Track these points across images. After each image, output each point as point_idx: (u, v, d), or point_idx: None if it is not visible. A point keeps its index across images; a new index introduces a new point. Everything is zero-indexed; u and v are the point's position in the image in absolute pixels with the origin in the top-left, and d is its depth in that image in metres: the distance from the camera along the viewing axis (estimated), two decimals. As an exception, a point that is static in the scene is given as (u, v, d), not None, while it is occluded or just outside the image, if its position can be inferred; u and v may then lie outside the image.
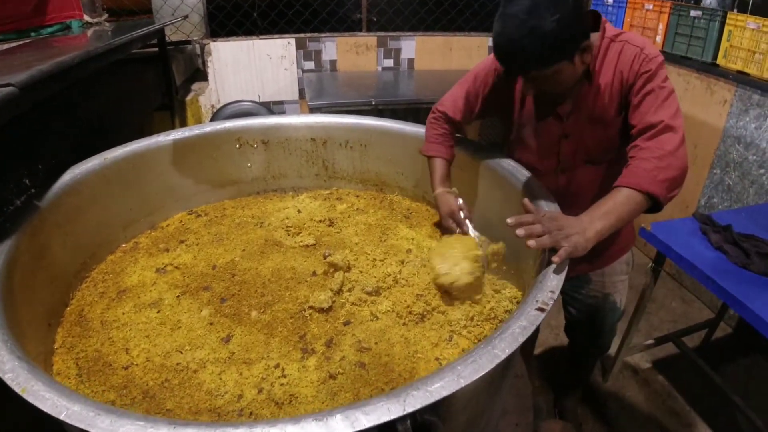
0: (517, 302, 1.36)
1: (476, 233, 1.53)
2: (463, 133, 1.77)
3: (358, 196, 1.98)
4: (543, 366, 2.69)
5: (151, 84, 2.84)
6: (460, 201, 1.59)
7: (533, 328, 0.88)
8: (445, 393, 0.72)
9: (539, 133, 1.57)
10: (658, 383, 2.59)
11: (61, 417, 0.74)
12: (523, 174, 1.51)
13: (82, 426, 0.72)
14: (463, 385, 0.74)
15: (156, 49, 2.88)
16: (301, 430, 0.66)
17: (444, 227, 1.62)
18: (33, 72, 1.39)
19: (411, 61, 4.06)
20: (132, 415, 0.72)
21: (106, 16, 3.11)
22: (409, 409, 0.69)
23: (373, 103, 3.16)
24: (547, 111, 1.53)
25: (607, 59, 1.39)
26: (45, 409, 0.77)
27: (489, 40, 4.08)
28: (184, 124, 3.28)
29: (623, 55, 1.36)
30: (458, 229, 1.56)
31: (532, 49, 1.21)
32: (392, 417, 0.68)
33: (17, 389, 0.82)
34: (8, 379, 0.84)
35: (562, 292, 1.90)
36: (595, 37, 1.39)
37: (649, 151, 1.26)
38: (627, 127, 1.39)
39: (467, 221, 1.56)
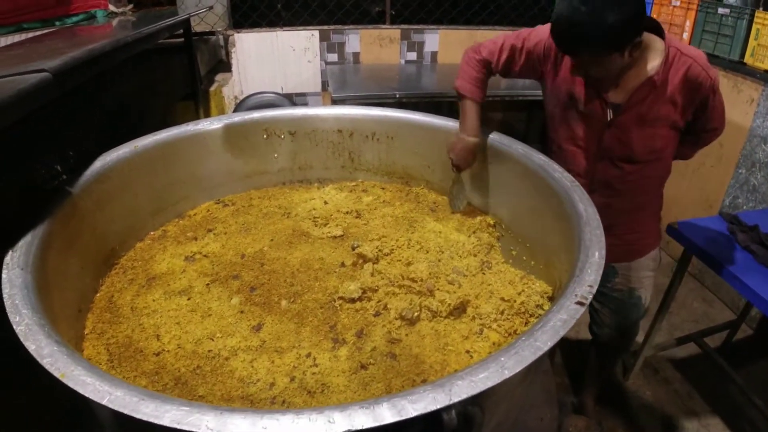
0: (548, 297, 1.35)
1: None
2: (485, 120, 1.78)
3: (383, 188, 1.98)
4: (563, 362, 2.68)
5: (177, 74, 2.86)
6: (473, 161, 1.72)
7: (573, 321, 0.88)
8: (490, 384, 0.72)
9: (583, 118, 1.60)
10: (678, 383, 2.57)
11: (104, 402, 0.74)
12: (555, 169, 1.50)
13: (126, 411, 0.72)
14: (507, 376, 0.73)
15: (181, 39, 2.88)
16: (348, 418, 0.66)
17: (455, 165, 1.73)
18: (66, 59, 1.40)
19: (434, 54, 4.04)
20: (176, 400, 0.73)
21: (131, 6, 3.13)
22: (455, 399, 0.69)
23: (397, 96, 3.15)
24: (595, 99, 1.56)
25: (674, 70, 1.47)
26: (86, 394, 0.76)
27: (512, 34, 4.06)
28: (207, 114, 3.29)
29: (692, 72, 1.47)
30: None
31: (591, 36, 1.28)
32: (438, 406, 0.68)
33: (56, 374, 0.81)
34: (46, 363, 0.83)
35: None
36: (659, 44, 1.48)
37: (703, 145, 1.71)
38: (679, 131, 1.59)
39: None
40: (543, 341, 0.81)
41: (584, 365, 2.37)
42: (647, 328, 2.36)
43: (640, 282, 1.84)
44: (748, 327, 2.91)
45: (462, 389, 0.71)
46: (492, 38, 1.70)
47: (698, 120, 1.56)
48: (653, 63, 1.47)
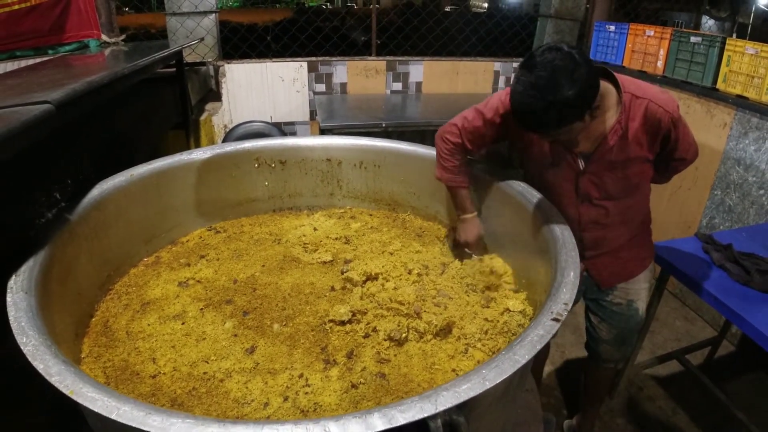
0: (529, 318, 1.41)
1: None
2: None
3: (371, 215, 2.05)
4: (551, 383, 2.73)
5: (169, 103, 2.92)
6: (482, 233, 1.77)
7: (549, 336, 0.94)
8: (472, 393, 0.78)
9: (557, 170, 1.66)
10: (662, 400, 2.63)
11: (113, 416, 0.79)
12: (534, 195, 1.57)
13: (134, 424, 0.77)
14: (488, 387, 0.79)
15: (173, 69, 2.96)
16: (343, 427, 0.72)
17: (464, 246, 1.77)
18: (68, 90, 1.46)
19: (419, 84, 4.16)
20: (181, 414, 0.77)
21: (123, 36, 3.21)
22: (441, 408, 0.74)
23: (383, 125, 3.23)
24: (563, 153, 1.62)
25: (632, 114, 1.53)
26: (96, 410, 0.81)
27: (494, 65, 4.20)
28: (198, 143, 3.35)
29: (649, 112, 1.51)
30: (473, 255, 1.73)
31: (549, 117, 1.32)
32: (425, 415, 0.74)
33: (65, 391, 0.86)
34: (55, 381, 0.88)
35: (587, 300, 1.97)
36: (613, 93, 1.53)
37: (676, 172, 1.75)
38: (651, 162, 1.64)
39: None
40: (521, 355, 0.87)
41: (581, 386, 2.41)
42: (630, 347, 2.42)
43: (638, 294, 1.91)
44: (730, 344, 2.98)
45: (447, 399, 0.77)
46: (451, 121, 1.74)
47: (665, 149, 1.61)
48: (611, 112, 1.53)
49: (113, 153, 2.06)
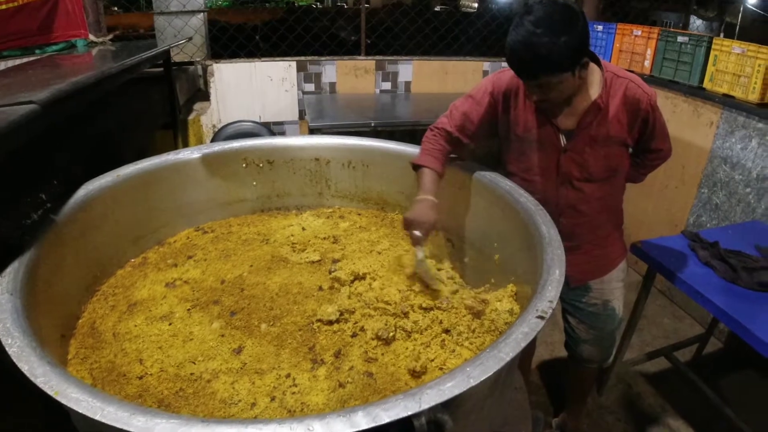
0: (516, 316, 1.41)
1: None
2: (460, 155, 1.84)
3: (360, 214, 2.05)
4: (540, 381, 2.74)
5: (156, 103, 2.91)
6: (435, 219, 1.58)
7: (534, 333, 0.95)
8: (456, 391, 0.78)
9: (540, 147, 1.70)
10: (651, 397, 2.65)
11: (97, 417, 0.78)
12: (521, 194, 1.58)
13: (118, 425, 0.76)
14: (472, 384, 0.79)
15: (161, 69, 2.94)
16: (327, 426, 0.72)
17: (406, 227, 1.58)
18: (53, 90, 1.45)
19: (408, 84, 4.16)
20: (165, 414, 0.77)
21: (110, 36, 3.19)
22: (425, 406, 0.75)
23: (372, 124, 3.23)
24: (548, 128, 1.66)
25: (613, 91, 1.60)
26: (80, 411, 0.80)
27: (483, 65, 4.21)
28: (186, 143, 3.34)
29: (629, 91, 1.60)
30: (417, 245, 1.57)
31: (548, 56, 1.38)
32: (409, 413, 0.74)
33: (50, 392, 0.85)
34: (40, 383, 0.87)
35: (564, 302, 1.99)
36: (597, 71, 1.62)
37: (651, 168, 1.87)
38: (629, 148, 1.72)
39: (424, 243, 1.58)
40: (506, 352, 0.87)
41: (564, 385, 2.43)
42: (617, 345, 2.43)
43: (613, 293, 1.93)
44: (718, 341, 3.01)
45: (431, 397, 0.77)
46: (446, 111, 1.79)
47: (643, 137, 1.69)
48: (595, 88, 1.60)
49: (100, 153, 2.05)
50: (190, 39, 3.53)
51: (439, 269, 1.66)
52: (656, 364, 2.77)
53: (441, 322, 1.39)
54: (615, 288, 1.92)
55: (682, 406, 2.58)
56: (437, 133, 1.75)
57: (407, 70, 4.12)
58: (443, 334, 1.37)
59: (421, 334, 1.36)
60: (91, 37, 3.02)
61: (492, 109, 1.73)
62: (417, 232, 1.55)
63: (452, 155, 1.78)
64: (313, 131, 3.10)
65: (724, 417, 2.25)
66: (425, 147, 1.74)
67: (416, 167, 1.71)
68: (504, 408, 1.42)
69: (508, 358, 0.86)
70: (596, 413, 2.54)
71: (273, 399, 1.18)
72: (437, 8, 9.43)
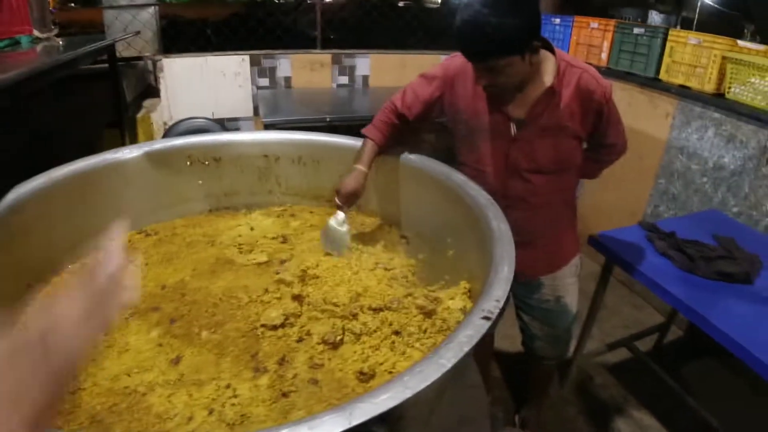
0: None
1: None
2: (407, 138, 1.82)
3: (312, 212, 1.98)
4: (501, 376, 2.72)
5: (101, 100, 2.79)
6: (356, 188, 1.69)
7: (479, 336, 0.89)
8: (392, 404, 0.72)
9: (490, 136, 1.66)
10: (613, 388, 2.65)
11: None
12: (473, 188, 1.54)
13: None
14: (409, 396, 0.74)
15: (106, 65, 2.82)
16: (244, 449, 0.66)
17: (335, 193, 1.72)
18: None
19: (366, 78, 4.10)
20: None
21: (56, 31, 3.04)
22: (355, 422, 0.69)
23: (328, 119, 3.16)
24: (498, 116, 1.62)
25: (566, 80, 1.56)
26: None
27: (441, 58, 4.15)
28: (134, 141, 3.21)
29: (583, 81, 1.56)
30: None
31: (497, 37, 1.34)
32: (339, 430, 0.68)
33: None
34: None
35: (516, 299, 1.95)
36: (551, 59, 1.57)
37: (606, 164, 1.86)
38: (582, 142, 1.67)
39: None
40: (447, 358, 0.82)
41: (524, 382, 2.41)
42: (578, 337, 2.42)
43: (566, 289, 1.90)
44: (678, 329, 3.03)
45: (363, 412, 0.71)
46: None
47: (597, 131, 1.64)
48: (547, 76, 1.56)
49: (38, 153, 1.94)
50: (138, 33, 3.40)
51: (388, 269, 1.60)
52: (617, 354, 2.77)
53: (391, 324, 1.33)
54: (568, 284, 1.89)
55: (645, 396, 2.59)
56: (387, 107, 1.78)
57: (365, 63, 4.05)
58: (393, 336, 1.31)
59: (370, 336, 1.31)
60: (36, 33, 2.88)
61: (439, 92, 1.70)
62: (337, 200, 1.69)
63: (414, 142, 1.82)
64: (267, 127, 3.01)
65: (686, 406, 2.26)
66: (375, 119, 1.79)
67: (363, 137, 1.78)
68: (458, 409, 1.37)
69: (449, 365, 0.80)
70: (559, 405, 2.53)
71: (211, 412, 1.11)
72: (401, 3, 9.37)
